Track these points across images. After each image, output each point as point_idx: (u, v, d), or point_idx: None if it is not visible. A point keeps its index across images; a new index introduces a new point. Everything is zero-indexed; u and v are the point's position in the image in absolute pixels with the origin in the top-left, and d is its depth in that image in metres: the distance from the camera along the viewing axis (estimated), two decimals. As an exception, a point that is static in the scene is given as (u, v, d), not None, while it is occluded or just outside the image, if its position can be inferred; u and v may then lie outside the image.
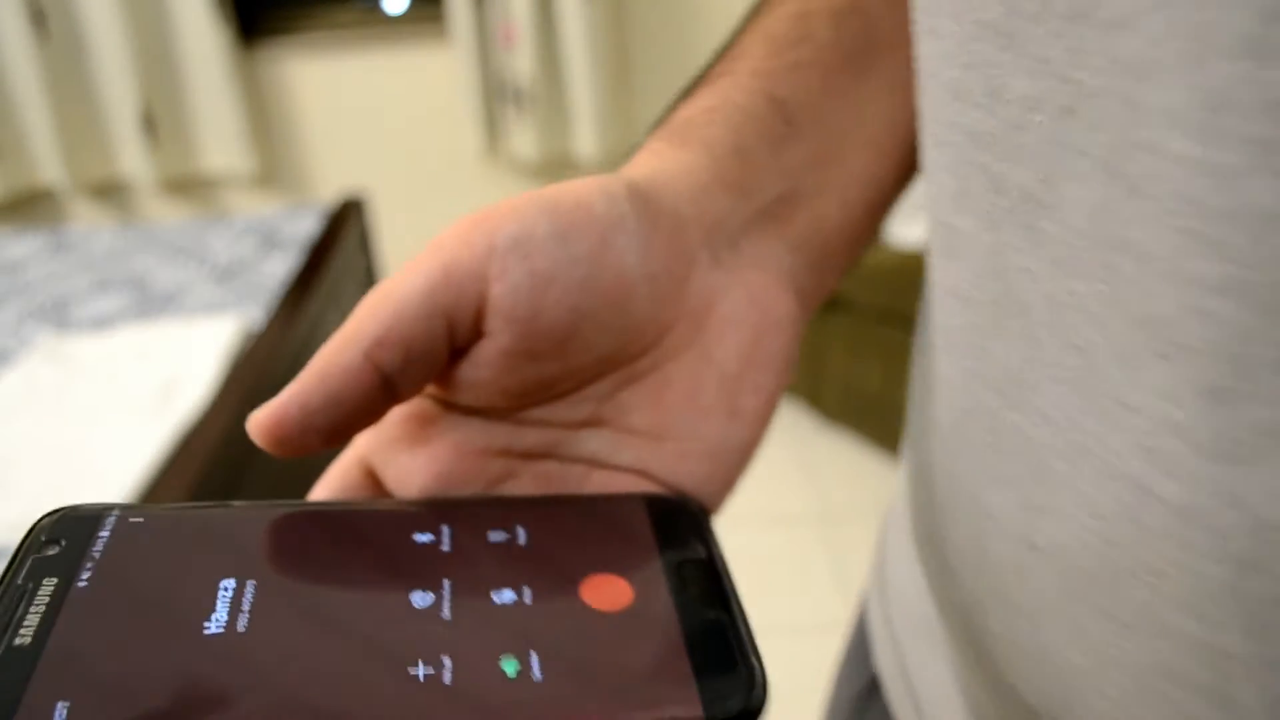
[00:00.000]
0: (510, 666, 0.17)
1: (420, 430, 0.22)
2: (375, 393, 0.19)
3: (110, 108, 2.43)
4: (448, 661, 0.17)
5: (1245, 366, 0.14)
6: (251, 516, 0.19)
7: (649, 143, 0.24)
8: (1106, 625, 0.18)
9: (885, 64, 0.25)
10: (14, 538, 1.00)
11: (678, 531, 0.21)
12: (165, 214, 2.63)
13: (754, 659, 0.18)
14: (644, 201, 0.21)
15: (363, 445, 0.22)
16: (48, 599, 0.17)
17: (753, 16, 0.27)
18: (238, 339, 1.41)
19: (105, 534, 0.18)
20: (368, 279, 1.94)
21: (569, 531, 0.20)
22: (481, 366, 0.20)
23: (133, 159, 2.46)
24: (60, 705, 0.15)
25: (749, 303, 0.22)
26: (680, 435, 0.22)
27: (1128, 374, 0.16)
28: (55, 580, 0.17)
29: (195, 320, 1.50)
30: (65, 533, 0.18)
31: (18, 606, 0.16)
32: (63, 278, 1.73)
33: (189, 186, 2.61)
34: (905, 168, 0.27)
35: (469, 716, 0.16)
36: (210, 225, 1.97)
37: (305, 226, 1.89)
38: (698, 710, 0.17)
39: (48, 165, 2.44)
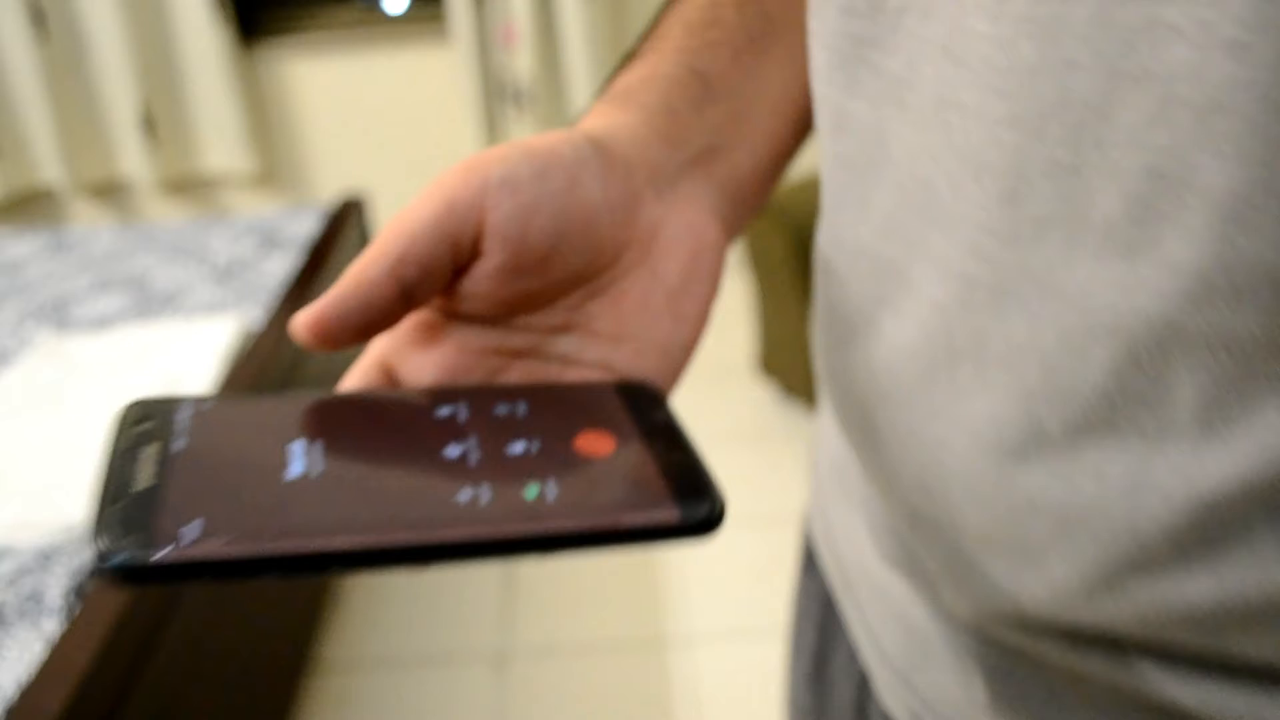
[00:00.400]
0: (530, 491, 0.22)
1: (429, 335, 0.27)
2: (396, 302, 0.24)
3: (110, 108, 2.43)
4: (484, 489, 0.21)
5: (1025, 177, 0.21)
6: (302, 400, 0.24)
7: (597, 106, 0.30)
8: (950, 390, 0.25)
9: (782, 44, 0.32)
10: (14, 538, 1.00)
11: (641, 404, 0.25)
12: (165, 214, 2.63)
13: (714, 488, 0.23)
14: (600, 149, 0.26)
15: (380, 348, 0.27)
16: (154, 458, 0.21)
17: (671, 5, 0.33)
18: (238, 339, 1.41)
19: (185, 414, 0.23)
20: (368, 279, 1.94)
21: (558, 406, 0.25)
22: (479, 281, 0.25)
23: (133, 159, 2.46)
24: (196, 520, 0.19)
25: (685, 230, 0.28)
26: (635, 336, 0.27)
27: (954, 195, 0.22)
28: (155, 445, 0.21)
29: (195, 320, 1.50)
30: (150, 415, 0.22)
31: (130, 465, 0.20)
32: (63, 278, 1.73)
33: (189, 186, 2.61)
34: (801, 126, 0.33)
35: (505, 524, 0.21)
36: (210, 225, 1.97)
37: (305, 226, 1.89)
38: (675, 516, 0.22)
39: (48, 165, 2.44)
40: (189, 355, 1.36)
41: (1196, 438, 0.21)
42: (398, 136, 2.59)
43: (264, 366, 1.32)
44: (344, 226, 1.83)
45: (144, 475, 0.20)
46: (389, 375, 0.27)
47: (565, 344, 0.27)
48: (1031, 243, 0.21)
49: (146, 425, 0.22)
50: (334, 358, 1.63)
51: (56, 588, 0.92)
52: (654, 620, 1.51)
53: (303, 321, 0.23)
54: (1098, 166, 0.20)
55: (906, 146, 0.24)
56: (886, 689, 0.36)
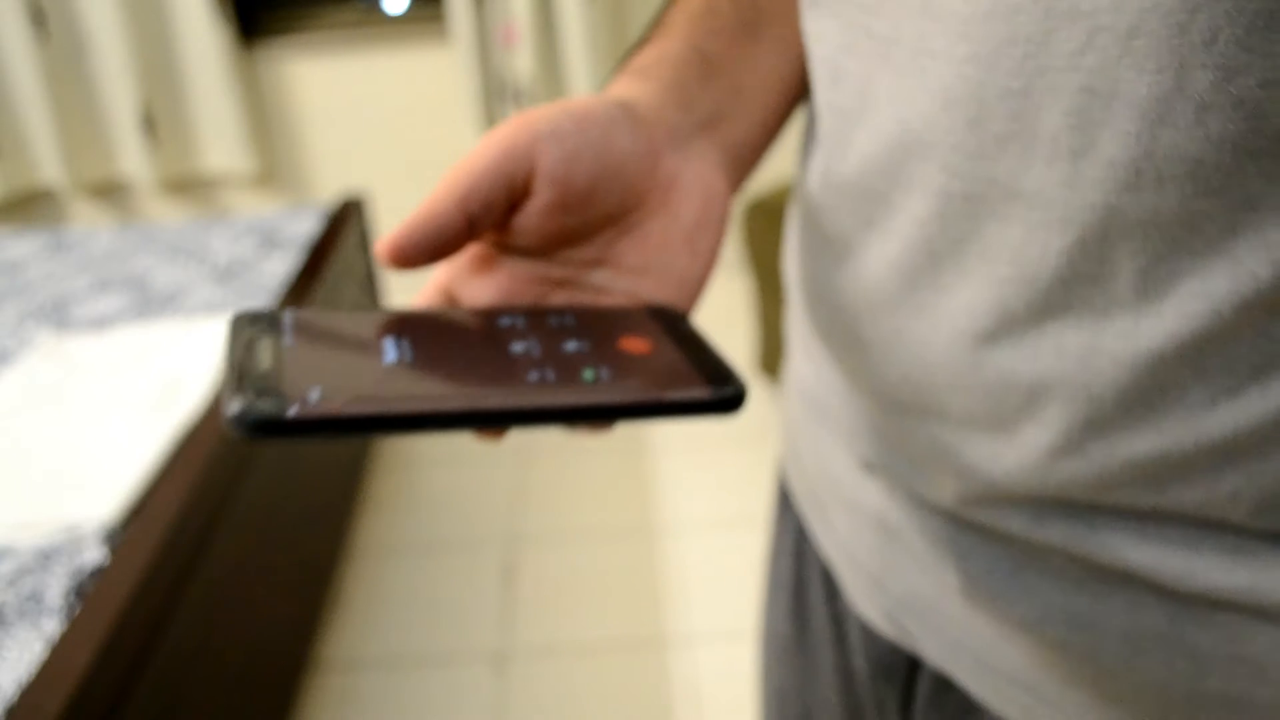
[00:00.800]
0: (588, 374, 0.26)
1: (484, 265, 0.31)
2: (461, 231, 0.28)
3: (110, 108, 2.43)
4: (548, 372, 0.26)
5: (985, 103, 0.25)
6: (384, 313, 0.28)
7: (616, 79, 0.35)
8: (932, 290, 0.29)
9: (771, 31, 0.37)
10: (14, 538, 1.00)
11: (669, 320, 0.30)
12: (165, 214, 2.63)
13: (737, 376, 0.27)
14: (627, 110, 0.31)
15: (442, 276, 0.31)
16: (270, 349, 0.25)
17: (673, 1, 0.39)
18: (238, 339, 1.41)
19: (288, 319, 0.27)
20: (368, 279, 1.94)
21: (600, 319, 0.30)
22: (529, 216, 0.29)
23: (133, 159, 2.46)
24: (315, 388, 0.23)
25: (698, 180, 0.32)
26: (657, 269, 0.32)
27: (928, 127, 0.27)
28: (269, 340, 0.25)
29: (195, 320, 1.50)
30: (258, 320, 0.27)
31: (251, 353, 0.24)
32: (63, 278, 1.73)
33: (189, 186, 2.61)
34: (789, 101, 0.38)
35: (571, 396, 0.25)
36: (210, 225, 1.97)
37: (305, 226, 1.89)
38: (708, 393, 0.26)
39: (48, 165, 2.44)
40: (189, 355, 1.36)
41: (1136, 309, 0.25)
42: (398, 136, 2.59)
43: (264, 366, 1.32)
44: (344, 226, 1.83)
45: (265, 360, 0.24)
46: (450, 299, 0.31)
47: (598, 276, 0.32)
48: (994, 157, 0.26)
49: (258, 327, 0.26)
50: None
51: (56, 588, 0.92)
52: (654, 620, 1.51)
53: (384, 245, 0.28)
54: (1043, 89, 0.24)
55: (889, 93, 0.28)
56: (861, 595, 0.40)
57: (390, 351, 0.26)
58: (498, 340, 0.27)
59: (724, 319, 2.35)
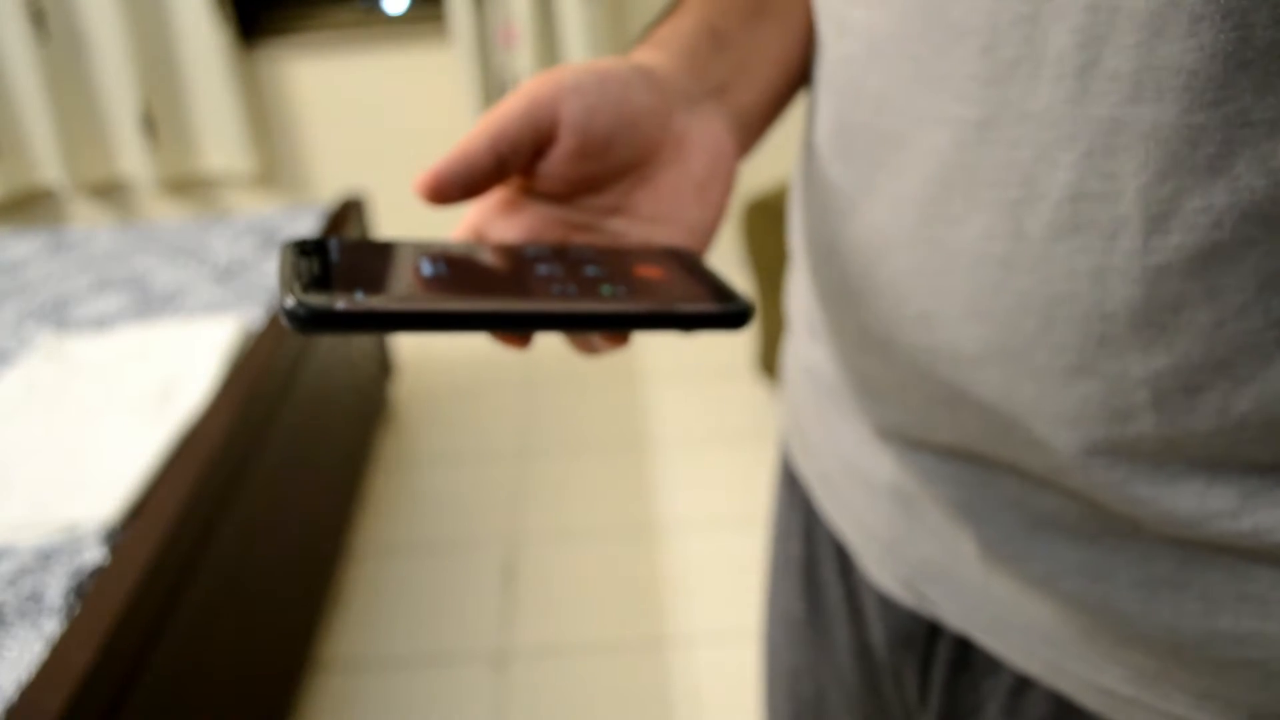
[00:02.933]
0: (607, 289, 0.29)
1: (511, 207, 0.34)
2: (492, 170, 0.31)
3: (110, 108, 2.43)
4: (571, 287, 0.29)
5: (996, 30, 0.27)
6: (423, 242, 0.31)
7: (637, 49, 0.38)
8: (947, 221, 0.30)
9: (778, 12, 0.40)
10: (14, 538, 1.00)
11: (681, 257, 0.33)
12: (165, 214, 2.63)
13: (742, 296, 0.30)
14: (644, 71, 0.34)
15: (473, 217, 0.34)
16: (318, 262, 0.28)
17: None
18: (238, 339, 1.41)
19: (334, 243, 0.30)
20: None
21: (618, 253, 0.32)
22: (553, 162, 0.32)
23: (133, 159, 2.46)
24: (359, 290, 0.26)
25: (708, 137, 0.35)
26: (669, 217, 0.34)
27: (940, 59, 0.29)
28: (316, 257, 0.28)
29: (195, 320, 1.50)
30: (306, 243, 0.29)
31: (301, 265, 0.27)
32: (63, 278, 1.73)
33: (189, 186, 2.61)
34: (793, 77, 0.40)
35: (593, 304, 0.28)
36: (210, 225, 1.97)
37: (305, 226, 1.89)
38: (716, 308, 0.29)
39: (48, 165, 2.44)
40: (189, 355, 1.36)
41: (1143, 227, 0.26)
42: (398, 136, 2.59)
43: (264, 366, 1.32)
44: (344, 226, 1.83)
45: (314, 270, 0.27)
46: (480, 238, 0.34)
47: (615, 223, 0.35)
48: (1006, 81, 0.27)
49: (307, 246, 0.29)
50: (332, 359, 1.63)
51: (56, 588, 0.92)
52: (654, 620, 1.51)
53: (421, 181, 0.30)
54: (1050, 12, 0.26)
55: (894, 35, 0.30)
56: (877, 565, 0.42)
57: (427, 267, 0.29)
58: (525, 263, 0.31)
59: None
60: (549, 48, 2.42)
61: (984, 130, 0.28)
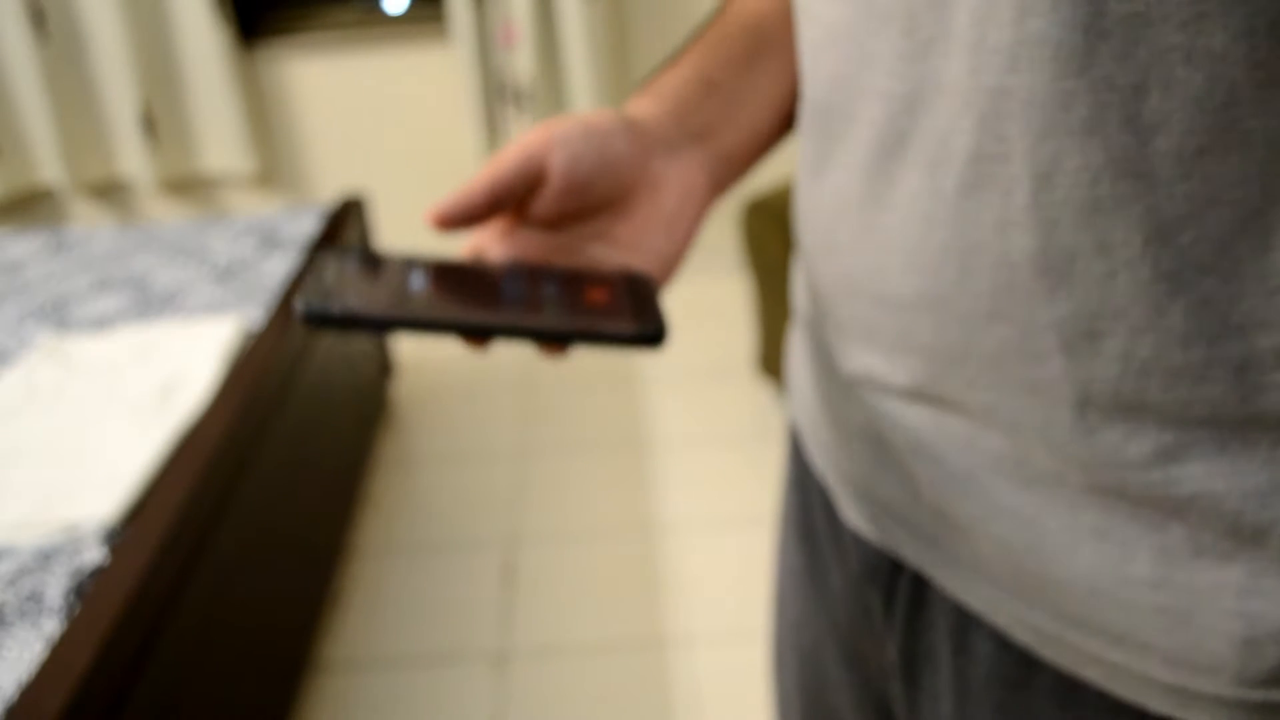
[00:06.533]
0: (550, 309, 0.36)
1: (506, 234, 0.41)
2: (489, 210, 0.38)
3: (110, 108, 2.43)
4: (522, 304, 0.36)
5: (913, 14, 0.30)
6: (424, 257, 0.38)
7: (635, 96, 0.45)
8: (889, 184, 0.34)
9: (772, 61, 0.46)
10: (14, 538, 1.00)
11: (635, 281, 0.39)
12: (165, 214, 2.63)
13: (662, 322, 0.36)
14: (628, 123, 0.41)
15: (476, 239, 0.41)
16: (334, 270, 0.36)
17: (698, 32, 0.47)
18: (238, 339, 1.41)
19: (354, 252, 0.38)
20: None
21: (580, 275, 0.38)
22: (543, 201, 0.39)
23: (133, 159, 2.46)
24: (353, 296, 0.35)
25: (680, 179, 0.42)
26: (641, 246, 0.41)
27: (875, 41, 0.32)
28: (334, 265, 0.37)
29: (195, 320, 1.50)
30: (330, 253, 0.38)
31: (318, 273, 0.36)
32: (63, 278, 1.73)
33: (189, 186, 2.61)
34: (782, 119, 0.46)
35: (530, 320, 0.35)
36: (210, 225, 1.97)
37: (305, 226, 1.89)
38: (632, 329, 0.36)
39: (48, 165, 2.44)
40: (189, 355, 1.36)
41: (1032, 185, 0.29)
42: (398, 136, 2.59)
43: (264, 366, 1.32)
44: (344, 226, 1.83)
45: (329, 276, 0.36)
46: (479, 256, 0.40)
47: (595, 248, 0.41)
48: (924, 58, 0.30)
49: (330, 256, 0.37)
50: (332, 359, 1.63)
51: (56, 588, 0.92)
52: (654, 620, 1.51)
53: (430, 213, 0.38)
54: None
55: (844, 21, 0.34)
56: (849, 505, 0.45)
57: (416, 281, 0.36)
58: (494, 282, 0.37)
59: (724, 319, 2.35)
60: (549, 48, 2.42)
61: (909, 102, 0.32)
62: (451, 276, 0.38)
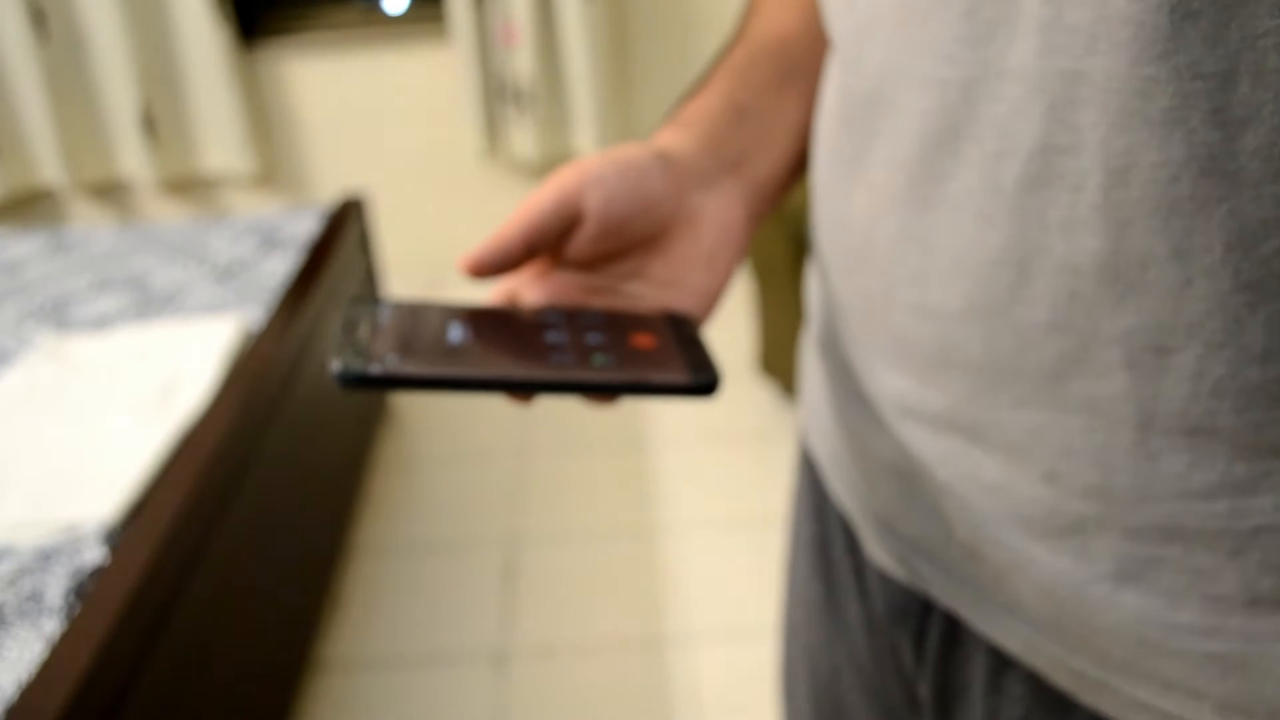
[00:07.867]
0: (598, 359, 0.34)
1: (542, 276, 0.39)
2: (523, 254, 0.37)
3: (110, 108, 2.43)
4: (568, 356, 0.34)
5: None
6: (462, 306, 0.37)
7: (665, 127, 0.43)
8: (938, 179, 0.31)
9: (802, 85, 0.44)
10: (14, 538, 1.00)
11: (678, 324, 0.38)
12: (165, 214, 2.63)
13: (715, 369, 0.35)
14: (663, 157, 0.39)
15: (509, 282, 0.39)
16: (368, 325, 0.34)
17: (723, 54, 0.46)
18: (238, 339, 1.41)
19: (387, 304, 0.36)
20: (368, 279, 1.94)
21: (623, 318, 0.37)
22: (579, 241, 0.38)
23: (133, 159, 2.46)
24: (392, 355, 0.32)
25: (718, 213, 0.40)
26: (680, 283, 0.39)
27: (928, 23, 0.30)
28: (368, 319, 0.35)
29: (195, 320, 1.50)
30: (364, 305, 0.36)
31: (354, 327, 0.34)
32: (63, 278, 1.73)
33: (189, 186, 2.61)
34: (807, 150, 0.44)
35: (579, 374, 0.33)
36: (210, 225, 1.97)
37: (305, 226, 1.89)
38: (686, 379, 0.34)
39: (48, 165, 2.44)
40: (189, 355, 1.36)
41: (1104, 180, 0.26)
42: (398, 137, 2.59)
43: (264, 366, 1.32)
44: (344, 226, 1.83)
45: (364, 332, 0.33)
46: (514, 299, 0.39)
47: (632, 287, 0.40)
48: (986, 42, 0.28)
49: (363, 309, 0.35)
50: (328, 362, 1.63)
51: (56, 588, 0.92)
52: (654, 620, 1.52)
53: (463, 261, 0.36)
54: None
55: (891, 5, 0.32)
56: (875, 542, 0.44)
57: (455, 333, 0.35)
58: (536, 331, 0.36)
59: (724, 319, 2.35)
60: (549, 48, 2.42)
61: (967, 90, 0.29)
62: (491, 325, 0.35)
